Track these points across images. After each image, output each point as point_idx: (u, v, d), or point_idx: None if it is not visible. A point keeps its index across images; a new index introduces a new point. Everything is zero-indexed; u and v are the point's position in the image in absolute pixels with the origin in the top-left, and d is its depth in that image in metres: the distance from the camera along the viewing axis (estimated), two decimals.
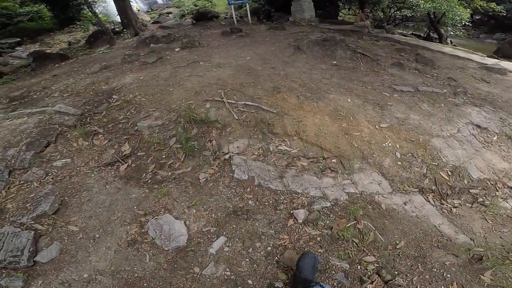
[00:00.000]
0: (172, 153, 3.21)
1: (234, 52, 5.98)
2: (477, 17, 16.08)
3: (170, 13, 25.14)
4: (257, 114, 3.64)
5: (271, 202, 2.72)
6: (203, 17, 11.27)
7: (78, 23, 13.49)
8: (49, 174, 3.02)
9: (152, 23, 14.54)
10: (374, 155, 3.22)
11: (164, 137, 3.37)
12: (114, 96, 4.28)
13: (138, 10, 25.74)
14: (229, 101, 3.85)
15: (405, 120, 3.80)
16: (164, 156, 3.19)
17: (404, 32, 14.45)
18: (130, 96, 4.20)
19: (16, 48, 11.57)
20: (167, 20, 18.65)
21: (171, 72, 4.88)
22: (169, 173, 3.00)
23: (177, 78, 4.62)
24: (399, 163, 3.18)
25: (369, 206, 2.69)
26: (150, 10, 27.49)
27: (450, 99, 4.53)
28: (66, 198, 2.77)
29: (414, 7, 12.72)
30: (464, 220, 2.68)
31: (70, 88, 4.96)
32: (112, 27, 13.00)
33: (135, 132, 3.48)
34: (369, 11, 10.80)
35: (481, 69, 6.16)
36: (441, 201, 2.87)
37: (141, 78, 4.81)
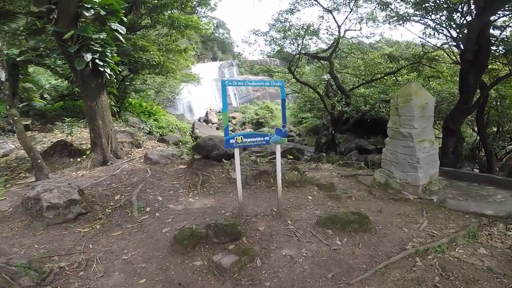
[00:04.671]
0: None
1: None
2: None
3: (234, 117, 24.59)
4: None
5: None
6: (205, 153, 5.75)
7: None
8: None
9: (159, 140, 10.14)
10: None
11: None
12: None
13: (211, 109, 26.38)
14: None
15: None
16: None
17: None
18: None
19: (14, 135, 7.95)
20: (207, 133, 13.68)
21: None
22: None
23: None
24: None
25: None
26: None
27: None
28: None
29: None
30: None
31: None
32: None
33: None
34: None
35: None
36: None
37: None
